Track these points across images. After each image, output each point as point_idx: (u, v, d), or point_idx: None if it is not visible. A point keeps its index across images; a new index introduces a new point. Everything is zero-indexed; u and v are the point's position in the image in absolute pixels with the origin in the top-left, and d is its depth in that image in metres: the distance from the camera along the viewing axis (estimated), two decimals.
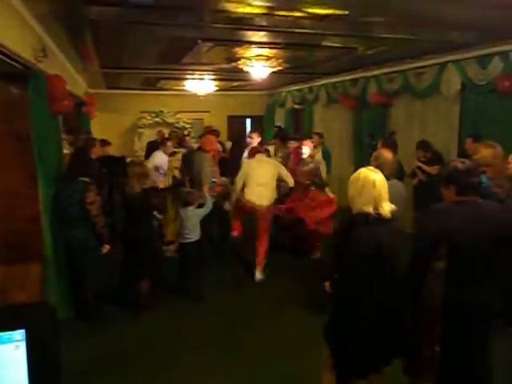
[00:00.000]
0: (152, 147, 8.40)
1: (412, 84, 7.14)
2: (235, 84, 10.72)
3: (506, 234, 2.57)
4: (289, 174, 5.96)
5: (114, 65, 7.50)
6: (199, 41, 5.41)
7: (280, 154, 7.43)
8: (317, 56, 6.86)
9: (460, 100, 6.43)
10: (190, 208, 5.09)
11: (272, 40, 5.43)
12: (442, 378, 2.69)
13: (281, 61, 6.60)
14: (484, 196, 2.74)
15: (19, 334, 1.59)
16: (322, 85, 10.07)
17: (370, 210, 2.49)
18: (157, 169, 6.88)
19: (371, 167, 2.68)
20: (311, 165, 6.40)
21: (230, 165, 6.97)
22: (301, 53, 6.45)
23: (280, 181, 5.93)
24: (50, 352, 1.66)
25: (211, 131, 8.18)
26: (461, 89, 6.25)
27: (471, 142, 5.48)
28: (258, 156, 5.97)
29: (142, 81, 10.20)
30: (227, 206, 6.15)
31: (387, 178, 3.96)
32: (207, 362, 3.94)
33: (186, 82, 9.99)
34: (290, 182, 5.93)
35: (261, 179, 5.66)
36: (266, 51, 6.13)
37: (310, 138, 7.59)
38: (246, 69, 6.66)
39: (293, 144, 7.18)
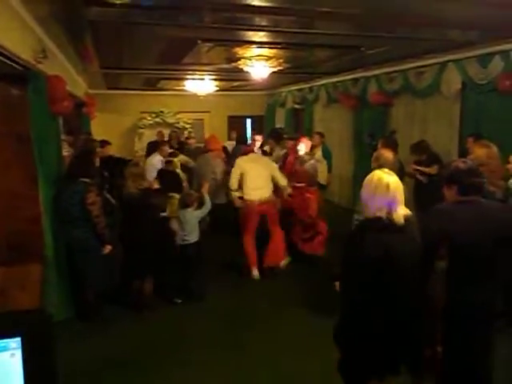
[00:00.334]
0: (152, 147, 8.41)
1: (412, 83, 7.13)
2: (235, 84, 10.72)
3: (507, 234, 2.57)
4: (282, 175, 6.00)
5: (114, 65, 7.50)
6: (199, 41, 5.41)
7: (274, 153, 7.37)
8: (317, 56, 6.86)
9: (461, 99, 6.42)
10: (189, 210, 5.08)
11: (272, 40, 5.43)
12: (443, 378, 2.69)
13: (281, 61, 6.59)
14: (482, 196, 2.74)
15: (15, 342, 1.57)
16: (323, 84, 10.07)
17: (383, 215, 2.37)
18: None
19: (385, 169, 2.54)
20: (311, 161, 6.36)
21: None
22: (301, 53, 6.45)
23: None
24: (46, 360, 1.64)
25: None
26: (461, 88, 6.24)
27: (472, 142, 5.46)
28: (252, 154, 6.04)
29: (142, 81, 10.20)
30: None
31: None
32: (209, 362, 3.93)
33: (186, 83, 10.00)
34: (283, 183, 5.94)
35: (257, 176, 5.71)
36: (266, 51, 6.12)
37: (310, 137, 7.56)
38: (246, 69, 6.65)
39: (290, 143, 7.15)
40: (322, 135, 8.19)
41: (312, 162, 6.36)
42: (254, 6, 3.77)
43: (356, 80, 8.74)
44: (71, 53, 5.99)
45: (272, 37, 5.26)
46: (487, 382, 2.69)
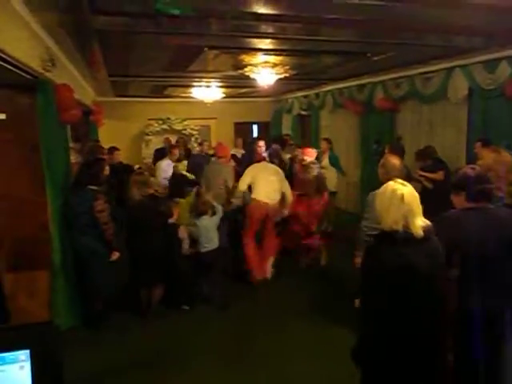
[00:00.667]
0: (159, 154, 8.46)
1: (419, 89, 7.12)
2: (242, 91, 10.75)
3: None
4: (289, 187, 6.02)
5: (122, 73, 7.55)
6: (206, 48, 5.44)
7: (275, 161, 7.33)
8: (323, 62, 6.87)
9: (468, 105, 6.40)
10: (205, 217, 5.08)
11: (278, 47, 5.45)
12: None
13: (287, 67, 6.60)
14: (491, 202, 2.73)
15: (24, 355, 1.58)
16: (329, 91, 10.07)
17: (400, 228, 2.25)
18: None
19: (399, 180, 2.42)
20: (317, 169, 6.35)
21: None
22: (307, 59, 6.47)
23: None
24: (54, 372, 1.65)
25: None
26: (468, 93, 6.22)
27: (480, 147, 5.44)
28: (263, 163, 6.15)
29: (149, 88, 10.26)
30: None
31: None
32: (213, 371, 3.93)
33: (193, 90, 10.04)
34: (288, 195, 5.96)
35: (268, 181, 5.79)
36: (272, 58, 6.14)
37: (317, 143, 7.55)
38: (252, 76, 6.68)
39: (298, 151, 7.17)
40: (329, 141, 8.20)
41: (317, 169, 6.35)
42: (260, 13, 3.80)
43: (362, 86, 8.74)
44: (79, 61, 6.05)
45: (278, 44, 5.28)
46: None
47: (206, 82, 9.08)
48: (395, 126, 8.11)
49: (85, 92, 8.51)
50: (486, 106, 5.96)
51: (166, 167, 7.09)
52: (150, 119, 12.25)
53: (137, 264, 4.80)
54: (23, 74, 3.69)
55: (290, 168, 7.15)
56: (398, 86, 7.69)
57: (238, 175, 6.20)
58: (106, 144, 8.39)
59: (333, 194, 7.69)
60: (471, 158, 5.60)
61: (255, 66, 6.42)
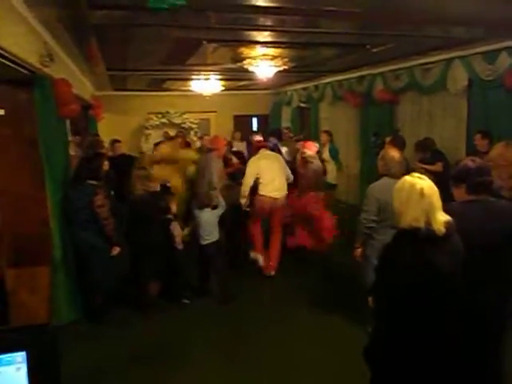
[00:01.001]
0: None
1: (418, 80, 7.09)
2: (241, 84, 10.71)
3: None
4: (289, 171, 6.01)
5: (120, 67, 7.52)
6: (204, 42, 5.41)
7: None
8: (322, 54, 6.84)
9: (467, 96, 6.38)
10: (207, 209, 5.09)
11: (277, 39, 5.42)
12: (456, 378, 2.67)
13: (286, 60, 6.57)
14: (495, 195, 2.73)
15: (20, 356, 1.59)
16: (328, 83, 10.04)
17: (421, 224, 2.14)
18: None
19: (416, 174, 2.34)
20: (316, 162, 6.31)
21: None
22: (306, 51, 6.44)
23: None
24: (51, 374, 1.66)
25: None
26: (468, 84, 6.20)
27: (480, 138, 5.44)
28: (263, 151, 6.01)
29: (148, 82, 10.23)
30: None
31: (395, 176, 3.99)
32: (212, 365, 3.95)
33: (192, 83, 10.01)
34: (290, 177, 5.96)
35: (272, 173, 5.72)
36: (271, 51, 6.11)
37: (318, 135, 7.50)
38: (251, 69, 6.65)
39: (299, 145, 7.10)
40: (329, 134, 8.19)
41: (317, 163, 6.31)
42: (258, 6, 3.78)
43: (362, 78, 8.71)
44: (77, 55, 6.02)
45: (277, 36, 5.25)
46: (499, 380, 2.67)
47: (205, 75, 9.04)
48: (395, 117, 8.10)
49: (83, 86, 8.48)
50: (485, 96, 5.94)
51: None
52: (149, 113, 12.22)
53: (137, 258, 4.82)
54: (21, 70, 3.68)
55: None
56: (397, 77, 7.67)
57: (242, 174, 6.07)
58: (105, 138, 8.38)
59: (333, 186, 7.69)
60: (472, 149, 5.59)
61: (254, 58, 6.40)
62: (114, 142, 7.42)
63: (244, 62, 6.52)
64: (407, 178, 2.31)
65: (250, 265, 6.03)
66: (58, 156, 4.52)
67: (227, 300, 5.16)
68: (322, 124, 10.77)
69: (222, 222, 5.31)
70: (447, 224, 2.17)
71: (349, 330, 4.44)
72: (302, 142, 7.02)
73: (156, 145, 8.90)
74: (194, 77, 9.34)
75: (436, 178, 5.87)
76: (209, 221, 5.11)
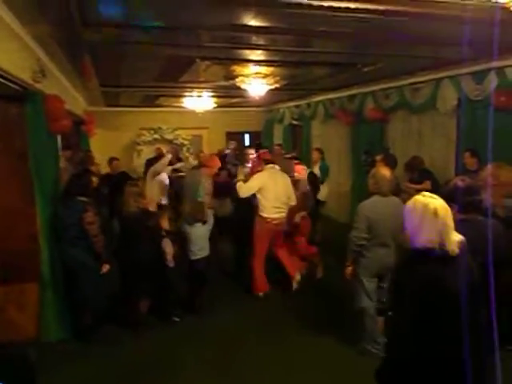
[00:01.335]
0: (151, 164, 8.43)
1: (408, 100, 7.18)
2: (234, 100, 10.78)
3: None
4: (293, 192, 5.83)
5: (113, 83, 7.55)
6: (197, 59, 5.45)
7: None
8: (314, 73, 6.92)
9: (457, 115, 6.47)
10: (198, 225, 5.10)
11: (269, 58, 5.48)
12: None
13: (278, 78, 6.64)
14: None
15: None
16: (320, 101, 10.13)
17: (435, 245, 2.10)
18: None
19: (427, 193, 2.27)
20: (302, 185, 6.32)
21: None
22: (298, 70, 6.51)
23: None
24: None
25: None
26: (457, 104, 6.28)
27: (469, 157, 5.50)
28: (270, 168, 5.74)
29: (140, 98, 10.26)
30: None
31: (385, 195, 4.02)
32: None
33: (184, 99, 10.06)
34: (292, 200, 5.74)
35: (276, 193, 5.52)
36: (263, 69, 6.17)
37: (310, 152, 7.49)
38: (243, 86, 6.70)
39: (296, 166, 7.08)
40: (320, 151, 8.23)
41: (304, 184, 6.32)
42: (250, 26, 3.83)
43: (353, 96, 8.80)
44: (70, 71, 6.04)
45: (269, 55, 5.31)
46: None
47: (198, 91, 9.09)
48: (385, 136, 8.17)
49: (76, 102, 8.49)
50: (474, 116, 6.02)
51: (165, 177, 7.07)
52: (141, 129, 12.23)
53: (127, 275, 4.77)
54: (13, 86, 3.68)
55: None
56: (387, 96, 7.76)
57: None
58: (97, 154, 8.38)
59: (322, 203, 7.71)
60: (460, 168, 5.64)
61: (246, 76, 6.45)
62: (112, 159, 7.43)
63: (236, 79, 6.57)
64: (418, 197, 2.25)
65: (241, 282, 6.00)
66: (48, 171, 4.50)
67: (201, 309, 5.18)
68: (314, 141, 10.83)
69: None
70: (460, 244, 2.14)
71: (340, 349, 4.41)
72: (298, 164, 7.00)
73: (148, 160, 8.93)
74: (186, 93, 9.39)
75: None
76: (200, 236, 5.11)
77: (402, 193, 5.56)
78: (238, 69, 6.13)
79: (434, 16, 3.55)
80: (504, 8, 2.62)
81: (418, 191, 5.85)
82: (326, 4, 3.14)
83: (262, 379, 3.97)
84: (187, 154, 12.13)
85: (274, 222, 5.56)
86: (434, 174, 6.07)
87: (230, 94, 9.41)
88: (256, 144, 9.63)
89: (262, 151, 6.78)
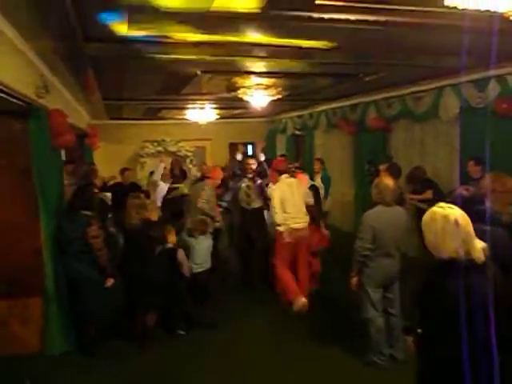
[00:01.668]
0: None
1: (411, 108, 7.19)
2: (236, 112, 10.82)
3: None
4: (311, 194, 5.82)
5: (116, 97, 7.60)
6: (199, 72, 5.49)
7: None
8: (316, 83, 6.94)
9: (459, 123, 6.46)
10: (202, 237, 5.09)
11: (271, 69, 5.50)
12: None
13: (280, 89, 6.67)
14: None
15: None
16: (322, 111, 10.16)
17: (461, 255, 2.06)
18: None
19: (443, 204, 2.26)
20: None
21: None
22: (300, 81, 6.53)
23: None
24: None
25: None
26: (459, 112, 6.27)
27: (473, 165, 5.48)
28: (285, 178, 5.65)
29: (143, 111, 10.31)
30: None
31: (389, 204, 4.01)
32: None
33: (187, 112, 10.10)
34: (310, 201, 5.71)
35: (293, 201, 5.43)
36: (265, 80, 6.20)
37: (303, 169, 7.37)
38: (245, 98, 6.73)
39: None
40: (322, 162, 8.24)
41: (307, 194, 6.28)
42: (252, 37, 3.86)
43: (355, 106, 8.82)
44: (73, 85, 6.08)
45: (271, 67, 5.34)
46: None
47: (200, 103, 9.14)
48: (388, 145, 8.17)
49: (79, 115, 8.54)
50: (476, 124, 6.00)
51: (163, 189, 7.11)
52: (144, 141, 12.27)
53: (132, 289, 4.75)
54: (16, 102, 3.70)
55: None
56: (389, 105, 7.76)
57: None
58: (101, 166, 8.41)
59: (325, 213, 7.70)
60: (464, 177, 5.61)
61: (248, 88, 6.48)
62: (125, 170, 7.53)
63: (238, 91, 6.61)
64: (436, 209, 2.23)
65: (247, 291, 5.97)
66: (52, 186, 4.51)
67: (214, 325, 5.10)
68: (316, 151, 10.83)
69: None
70: (484, 250, 2.11)
71: (346, 360, 4.37)
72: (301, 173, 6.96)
73: (152, 173, 8.97)
74: (189, 106, 9.43)
75: (428, 206, 5.93)
76: (203, 248, 5.10)
77: (405, 203, 5.55)
78: (239, 80, 6.17)
79: (435, 26, 3.57)
80: (503, 17, 2.62)
81: (421, 201, 5.89)
82: (326, 16, 3.16)
83: None
84: (190, 166, 12.15)
85: (296, 232, 5.40)
86: (436, 183, 6.06)
87: (232, 106, 9.45)
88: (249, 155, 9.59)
89: (275, 160, 6.71)
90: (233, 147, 13.28)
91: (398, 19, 3.32)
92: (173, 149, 12.32)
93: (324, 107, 10.00)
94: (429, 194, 5.81)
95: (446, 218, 2.13)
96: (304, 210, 5.52)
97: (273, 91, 6.62)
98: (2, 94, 3.32)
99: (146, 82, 6.26)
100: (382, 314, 4.18)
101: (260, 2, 2.92)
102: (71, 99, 7.13)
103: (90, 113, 9.99)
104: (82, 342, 4.65)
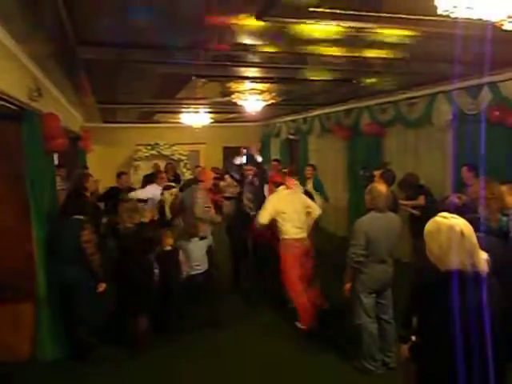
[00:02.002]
0: (148, 180, 8.44)
1: (404, 114, 7.23)
2: (230, 116, 10.83)
3: (509, 270, 2.55)
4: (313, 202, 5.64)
5: (110, 100, 7.58)
6: (193, 77, 5.49)
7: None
8: (310, 89, 6.96)
9: (452, 129, 6.49)
10: (195, 239, 5.12)
11: (265, 75, 5.52)
12: None
13: (274, 94, 6.69)
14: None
15: None
16: (316, 115, 10.18)
17: (468, 267, 2.00)
18: (147, 201, 6.81)
19: (445, 214, 2.18)
20: None
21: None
22: (294, 86, 6.54)
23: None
24: None
25: None
26: (452, 118, 6.30)
27: (467, 171, 5.49)
28: (282, 190, 5.48)
29: (137, 115, 10.30)
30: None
31: (382, 210, 4.02)
32: None
33: (181, 115, 10.09)
34: (316, 211, 5.48)
35: (294, 213, 5.26)
36: (259, 85, 6.21)
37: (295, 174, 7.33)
38: (239, 102, 6.74)
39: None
40: (314, 167, 8.24)
41: None
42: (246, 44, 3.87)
43: (349, 111, 8.85)
44: (67, 89, 6.06)
45: (264, 72, 5.35)
46: None
47: (195, 108, 9.13)
48: (382, 150, 8.19)
49: (72, 118, 8.51)
50: (469, 130, 6.03)
51: (154, 192, 7.04)
52: (138, 145, 12.26)
53: (125, 293, 4.73)
54: (9, 105, 3.68)
55: None
56: (383, 111, 7.80)
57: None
58: (94, 169, 8.38)
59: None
60: (457, 183, 5.64)
61: (242, 92, 6.49)
62: (121, 174, 7.50)
63: (233, 96, 6.61)
64: (440, 219, 2.14)
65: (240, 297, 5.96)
66: (44, 190, 4.48)
67: (217, 324, 5.15)
68: (310, 156, 10.86)
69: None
70: (488, 262, 2.07)
71: (337, 365, 4.36)
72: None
73: (145, 176, 8.92)
74: (183, 110, 9.42)
75: (423, 212, 5.94)
76: (198, 251, 5.12)
77: (399, 210, 5.56)
78: (233, 85, 6.17)
79: (427, 34, 3.59)
80: (496, 26, 2.64)
81: (413, 207, 5.89)
82: (320, 23, 3.17)
83: None
84: (184, 170, 12.14)
85: (299, 242, 5.24)
86: (429, 190, 6.07)
87: (226, 110, 9.46)
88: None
89: (271, 172, 6.62)
90: (227, 151, 13.29)
91: (391, 27, 3.34)
92: (166, 152, 12.31)
93: (318, 112, 10.03)
94: (421, 200, 5.82)
95: (451, 228, 2.05)
96: (304, 220, 5.35)
97: (267, 96, 6.63)
98: None
99: (140, 87, 6.26)
100: (374, 320, 4.18)
101: (254, 9, 2.92)
102: (65, 102, 7.10)
103: (83, 116, 9.97)
104: (74, 347, 4.60)
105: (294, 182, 6.37)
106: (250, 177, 6.66)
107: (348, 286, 4.21)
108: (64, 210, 4.54)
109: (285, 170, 7.60)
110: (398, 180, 6.21)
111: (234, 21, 3.19)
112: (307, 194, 6.80)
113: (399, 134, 7.74)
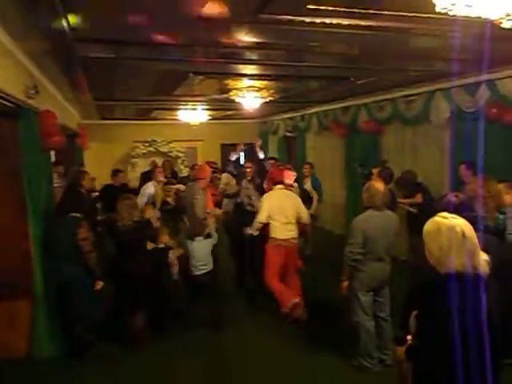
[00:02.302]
0: (146, 177, 8.41)
1: (402, 112, 7.22)
2: (228, 113, 10.81)
3: (506, 269, 2.55)
4: (306, 210, 5.61)
5: (107, 97, 7.55)
6: (191, 74, 5.47)
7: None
8: (307, 86, 6.95)
9: (450, 127, 6.48)
10: (200, 239, 5.10)
11: (262, 72, 5.50)
12: None
13: (272, 91, 6.67)
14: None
15: None
16: (314, 113, 10.16)
17: (469, 268, 1.95)
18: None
19: (445, 213, 2.13)
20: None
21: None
22: (291, 83, 6.53)
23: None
24: None
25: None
26: (450, 116, 6.30)
27: (465, 169, 5.49)
28: (278, 189, 5.53)
29: (135, 112, 10.26)
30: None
31: (379, 208, 4.02)
32: None
33: (179, 112, 10.07)
34: (305, 218, 5.50)
35: (285, 214, 5.32)
36: (256, 83, 6.19)
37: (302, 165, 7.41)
38: (237, 99, 6.72)
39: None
40: (311, 166, 8.23)
41: (296, 191, 6.25)
42: (244, 41, 3.85)
43: (347, 108, 8.83)
44: (63, 86, 6.04)
45: (263, 69, 5.33)
46: None
47: (192, 105, 9.11)
48: (379, 148, 8.19)
49: (69, 115, 8.48)
50: (467, 128, 6.03)
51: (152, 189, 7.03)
52: (135, 141, 12.20)
53: (122, 290, 4.73)
54: (5, 103, 3.66)
55: None
56: (381, 108, 7.79)
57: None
58: (92, 166, 8.36)
59: (313, 217, 7.67)
60: (454, 181, 5.64)
61: (240, 90, 6.47)
62: (117, 171, 7.49)
63: (230, 93, 6.60)
64: (440, 220, 2.09)
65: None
66: (41, 188, 4.46)
67: (219, 327, 5.11)
68: (308, 153, 10.85)
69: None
70: (488, 263, 2.02)
71: (335, 363, 4.36)
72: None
73: (143, 173, 8.90)
74: (181, 107, 9.40)
75: (421, 209, 5.94)
76: (202, 250, 5.11)
77: (397, 208, 5.56)
78: (231, 82, 6.16)
79: (426, 31, 3.58)
80: (494, 24, 2.64)
81: (411, 205, 5.89)
82: (318, 21, 3.16)
83: None
84: (182, 167, 12.10)
85: (285, 242, 5.33)
86: (426, 187, 6.07)
87: (224, 107, 9.44)
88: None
89: (272, 170, 6.60)
90: (225, 148, 13.26)
91: (390, 24, 3.33)
92: (164, 149, 12.26)
93: (316, 109, 10.00)
94: (418, 198, 5.82)
95: (451, 229, 1.99)
96: (294, 221, 5.38)
97: (265, 93, 6.62)
98: None
99: (137, 84, 6.23)
100: (371, 318, 4.18)
101: (251, 6, 2.91)
102: (61, 99, 7.08)
103: (80, 113, 9.93)
104: (70, 345, 4.59)
105: (293, 175, 6.36)
106: (249, 175, 6.59)
107: (345, 284, 4.21)
108: (60, 208, 4.52)
109: (288, 167, 7.60)
110: (396, 178, 6.22)
111: (231, 17, 3.17)
112: (305, 193, 6.81)
113: (397, 131, 7.74)
